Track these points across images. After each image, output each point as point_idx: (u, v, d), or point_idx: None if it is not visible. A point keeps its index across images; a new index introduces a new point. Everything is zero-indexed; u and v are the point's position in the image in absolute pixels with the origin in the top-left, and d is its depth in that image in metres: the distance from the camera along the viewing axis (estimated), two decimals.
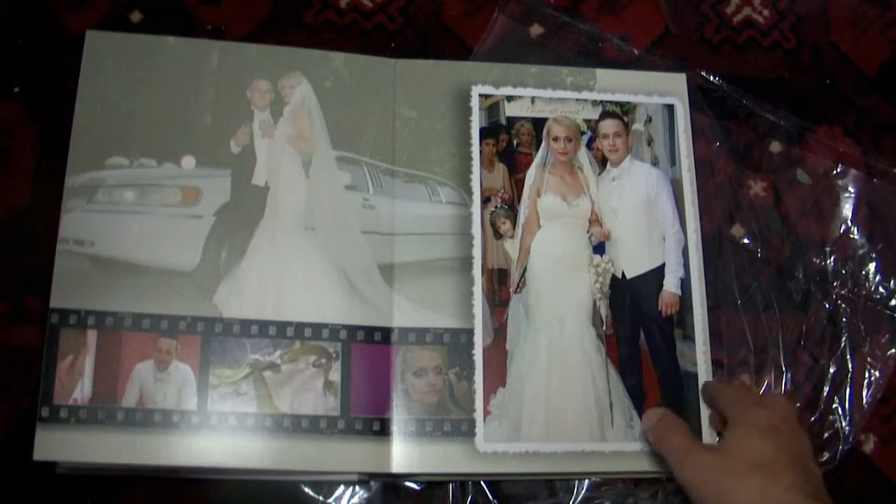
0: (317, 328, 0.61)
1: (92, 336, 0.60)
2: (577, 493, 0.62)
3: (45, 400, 0.58)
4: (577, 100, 0.69)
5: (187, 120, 0.65)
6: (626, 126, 0.69)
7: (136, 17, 0.71)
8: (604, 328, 0.64)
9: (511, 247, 0.66)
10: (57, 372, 0.59)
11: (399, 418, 0.60)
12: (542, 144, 0.68)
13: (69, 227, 0.62)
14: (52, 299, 0.60)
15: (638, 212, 0.67)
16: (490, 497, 0.62)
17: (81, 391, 0.59)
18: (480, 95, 0.68)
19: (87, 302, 0.60)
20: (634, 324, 0.65)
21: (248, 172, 0.64)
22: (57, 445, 0.58)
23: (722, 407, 0.59)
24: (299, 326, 0.61)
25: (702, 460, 0.54)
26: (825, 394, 0.65)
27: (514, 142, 0.68)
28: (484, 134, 0.67)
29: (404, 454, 0.59)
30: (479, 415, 0.61)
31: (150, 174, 0.63)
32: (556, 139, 0.68)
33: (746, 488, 0.51)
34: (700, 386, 0.63)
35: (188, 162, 0.64)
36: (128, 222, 0.62)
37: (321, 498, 0.61)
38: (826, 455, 0.63)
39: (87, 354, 0.59)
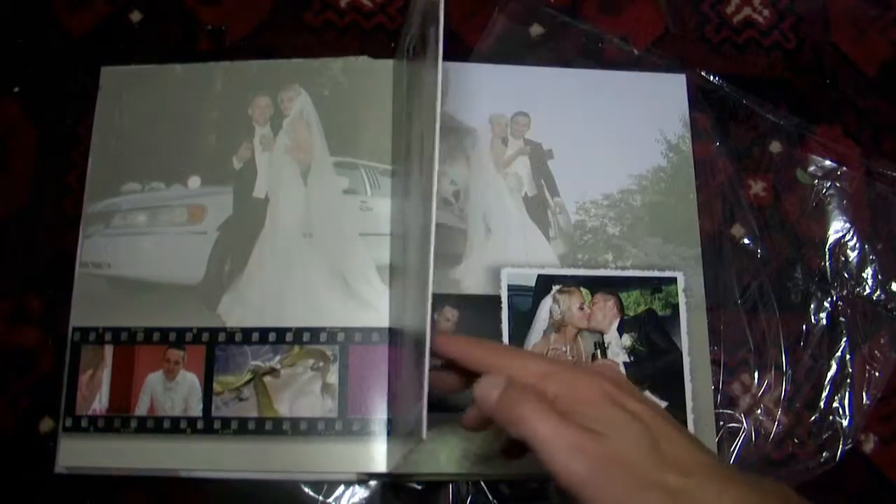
0: (315, 332, 0.62)
1: (108, 351, 0.63)
2: None
3: (68, 411, 0.61)
4: None
5: (193, 143, 0.67)
6: None
7: (135, 16, 0.71)
8: None
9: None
10: (78, 385, 0.62)
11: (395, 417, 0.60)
12: None
13: (89, 251, 0.65)
14: (72, 319, 0.63)
15: None
16: (490, 497, 0.62)
17: (99, 402, 0.62)
18: None
19: (104, 319, 0.63)
20: None
21: (249, 186, 0.66)
22: (79, 454, 0.61)
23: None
24: (298, 331, 0.62)
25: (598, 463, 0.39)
26: (825, 394, 0.65)
27: None
28: None
29: (399, 453, 0.59)
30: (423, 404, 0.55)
31: (160, 196, 0.66)
32: None
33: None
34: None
35: (194, 182, 0.66)
36: (140, 243, 0.65)
37: (321, 498, 0.61)
38: (826, 455, 0.63)
39: (105, 368, 0.62)
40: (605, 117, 0.69)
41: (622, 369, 0.63)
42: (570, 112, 0.69)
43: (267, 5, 0.72)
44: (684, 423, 0.62)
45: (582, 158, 0.68)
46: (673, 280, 0.65)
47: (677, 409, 0.63)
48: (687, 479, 0.39)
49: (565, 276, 0.65)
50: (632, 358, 0.64)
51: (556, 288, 0.64)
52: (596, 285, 0.65)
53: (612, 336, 0.64)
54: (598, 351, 0.63)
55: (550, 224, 0.66)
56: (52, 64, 0.69)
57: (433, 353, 0.45)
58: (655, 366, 0.64)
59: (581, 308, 0.64)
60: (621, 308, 0.64)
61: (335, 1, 0.72)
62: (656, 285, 0.65)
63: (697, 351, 0.64)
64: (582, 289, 0.65)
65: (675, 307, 0.65)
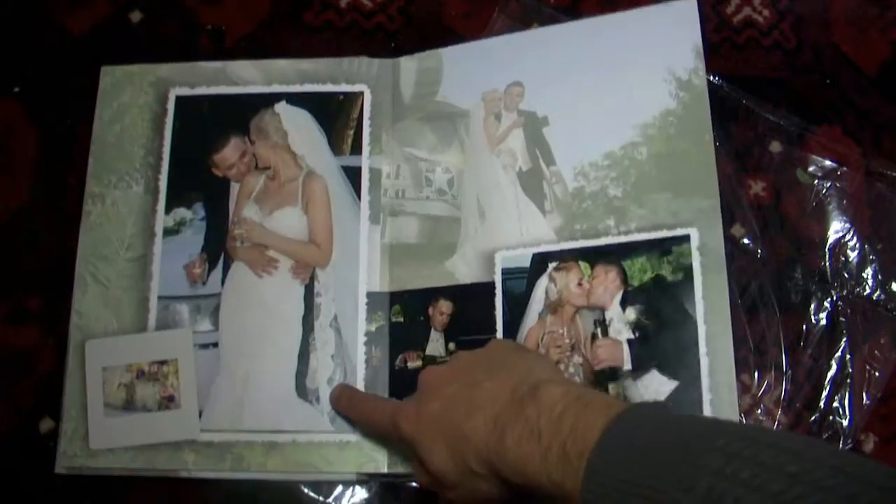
0: None
1: None
2: None
3: None
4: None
5: None
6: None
7: (135, 16, 0.71)
8: None
9: None
10: None
11: None
12: None
13: None
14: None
15: None
16: None
17: None
18: None
19: None
20: None
21: None
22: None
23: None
24: None
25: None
26: (825, 394, 0.65)
27: None
28: None
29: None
30: None
31: None
32: None
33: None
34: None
35: None
36: None
37: (321, 498, 0.61)
38: None
39: None
40: (603, 65, 0.65)
41: (625, 348, 0.58)
42: (566, 70, 0.65)
43: (267, 5, 0.72)
44: (700, 403, 0.57)
45: (579, 118, 0.64)
46: (685, 238, 0.59)
47: (691, 388, 0.57)
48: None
49: (562, 251, 0.61)
50: (636, 334, 0.58)
51: (552, 266, 0.61)
52: (596, 256, 0.60)
53: (614, 311, 0.59)
54: (599, 330, 0.59)
55: (546, 196, 0.63)
56: (52, 64, 0.69)
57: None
58: (664, 340, 0.58)
59: (580, 284, 0.60)
60: (624, 278, 0.59)
61: (335, 1, 0.72)
62: (665, 247, 0.59)
63: (715, 318, 0.58)
64: (580, 262, 0.60)
65: (689, 269, 0.59)
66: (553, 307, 0.60)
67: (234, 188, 0.65)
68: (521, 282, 0.61)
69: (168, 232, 0.64)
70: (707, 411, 0.57)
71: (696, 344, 0.58)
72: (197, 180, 0.65)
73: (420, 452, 0.49)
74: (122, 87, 0.67)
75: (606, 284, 0.59)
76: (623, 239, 0.60)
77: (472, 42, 0.69)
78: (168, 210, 0.64)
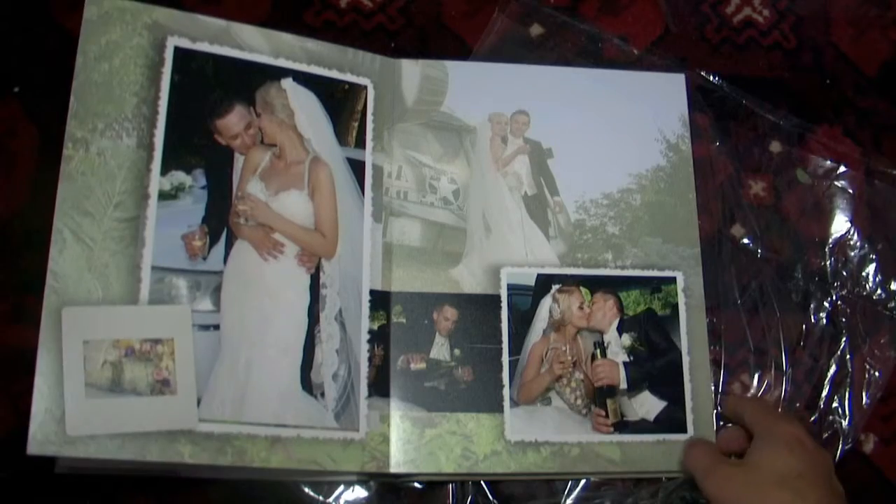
0: None
1: None
2: (576, 493, 0.62)
3: None
4: None
5: None
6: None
7: None
8: None
9: None
10: None
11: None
12: None
13: None
14: None
15: None
16: (490, 497, 0.62)
17: None
18: None
19: None
20: None
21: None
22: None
23: (747, 420, 0.59)
24: None
25: (727, 475, 0.55)
26: (825, 394, 0.65)
27: None
28: None
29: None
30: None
31: None
32: None
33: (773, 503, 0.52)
34: (720, 401, 0.64)
35: None
36: None
37: (321, 498, 0.61)
38: None
39: None
40: (604, 116, 0.69)
41: (622, 369, 0.63)
42: (569, 111, 0.69)
43: (267, 5, 0.72)
44: (684, 422, 0.62)
45: (582, 157, 0.68)
46: (672, 280, 0.65)
47: (677, 408, 0.63)
48: None
49: (565, 276, 0.65)
50: (631, 357, 0.64)
51: (555, 287, 0.64)
52: (595, 284, 0.65)
53: (611, 335, 0.64)
54: (598, 350, 0.63)
55: (550, 223, 0.66)
56: (52, 64, 0.69)
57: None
58: (655, 365, 0.64)
59: (581, 307, 0.64)
60: (621, 307, 0.64)
61: (335, 1, 0.72)
62: (656, 285, 0.65)
63: (697, 351, 0.64)
64: (582, 288, 0.65)
65: (675, 307, 0.65)
66: (556, 326, 0.64)
67: (238, 160, 0.61)
68: (525, 298, 0.64)
69: (164, 196, 0.58)
70: (690, 430, 0.63)
71: (681, 371, 0.64)
72: (198, 144, 0.60)
73: None
74: (110, 23, 0.60)
75: (605, 311, 0.64)
76: (619, 273, 0.66)
77: (480, 63, 0.70)
78: (164, 171, 0.59)
